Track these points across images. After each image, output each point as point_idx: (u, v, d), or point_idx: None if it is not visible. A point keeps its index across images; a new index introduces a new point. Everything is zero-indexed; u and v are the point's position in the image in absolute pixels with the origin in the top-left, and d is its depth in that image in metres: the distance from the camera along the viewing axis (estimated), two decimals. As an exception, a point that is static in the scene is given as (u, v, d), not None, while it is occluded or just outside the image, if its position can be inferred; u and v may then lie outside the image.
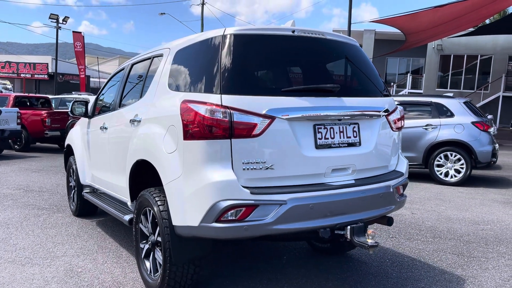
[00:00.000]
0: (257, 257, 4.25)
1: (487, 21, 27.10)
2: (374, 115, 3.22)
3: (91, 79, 45.38)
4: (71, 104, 5.24)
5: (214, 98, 2.77)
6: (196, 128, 2.76)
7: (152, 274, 3.35)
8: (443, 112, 8.76)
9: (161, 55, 3.69)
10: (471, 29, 24.28)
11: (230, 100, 2.75)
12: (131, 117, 3.77)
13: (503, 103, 28.74)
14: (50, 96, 16.64)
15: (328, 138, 2.98)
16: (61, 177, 8.83)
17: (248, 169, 2.73)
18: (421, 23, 19.45)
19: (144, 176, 3.70)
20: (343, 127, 3.06)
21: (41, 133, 13.31)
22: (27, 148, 13.58)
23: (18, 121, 12.27)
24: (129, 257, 4.18)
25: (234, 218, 2.70)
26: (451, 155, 8.59)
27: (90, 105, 5.42)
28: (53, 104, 15.99)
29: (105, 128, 4.49)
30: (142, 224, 3.51)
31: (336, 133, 3.02)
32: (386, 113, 3.33)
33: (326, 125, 2.98)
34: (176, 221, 2.92)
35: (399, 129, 3.48)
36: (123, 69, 4.69)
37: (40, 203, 6.47)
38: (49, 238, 4.77)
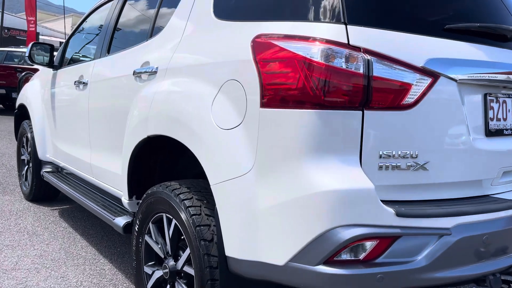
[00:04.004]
0: None
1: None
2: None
3: (40, 37, 41.65)
4: (29, 47, 3.74)
5: (331, 30, 1.48)
6: (294, 87, 1.47)
7: (168, 322, 2.06)
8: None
9: None
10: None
11: (364, 36, 1.48)
12: (135, 67, 2.39)
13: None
14: (-6, 49, 14.43)
15: (500, 119, 1.77)
16: (7, 145, 7.18)
17: (388, 167, 1.48)
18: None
19: (156, 160, 2.38)
20: None
21: (-18, 90, 11.33)
22: (-36, 107, 11.57)
23: (-46, 73, 10.27)
24: (115, 274, 2.85)
25: (353, 258, 1.47)
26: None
27: (56, 53, 3.92)
28: (-3, 58, 13.82)
29: (84, 83, 3.06)
30: (151, 237, 2.20)
31: (509, 110, 1.82)
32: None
33: (499, 97, 1.77)
34: (234, 250, 1.64)
35: None
36: (112, -1, 3.23)
37: (-21, 179, 4.93)
38: (-8, 236, 3.34)
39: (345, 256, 1.47)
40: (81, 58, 3.50)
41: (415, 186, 1.54)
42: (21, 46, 18.83)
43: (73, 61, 3.65)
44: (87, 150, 3.04)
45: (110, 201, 2.90)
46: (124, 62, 2.60)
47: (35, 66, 11.63)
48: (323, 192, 1.41)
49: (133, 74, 2.38)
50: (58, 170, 3.90)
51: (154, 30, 2.43)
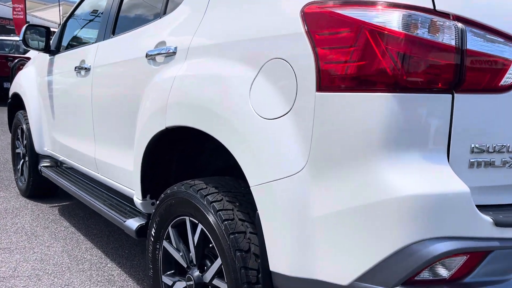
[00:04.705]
0: None
1: None
2: None
3: (31, 26, 40.66)
4: (23, 30, 3.40)
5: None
6: (363, 64, 1.17)
7: None
8: None
9: None
10: None
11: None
12: (147, 48, 2.08)
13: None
14: (-17, 37, 13.97)
15: None
16: (0, 137, 6.85)
17: (480, 164, 1.20)
18: None
19: (173, 154, 2.09)
20: None
21: (-29, 79, 10.88)
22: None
23: None
24: (125, 281, 2.56)
25: (436, 277, 1.19)
26: None
27: (53, 37, 3.58)
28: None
29: (85, 69, 2.74)
30: (170, 243, 1.91)
31: None
32: None
33: None
34: (282, 265, 1.36)
35: None
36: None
37: (-29, 174, 4.61)
38: (-14, 238, 3.04)
39: (426, 275, 1.19)
40: (82, 42, 3.18)
41: (508, 187, 1.26)
42: (11, 35, 18.32)
43: (72, 45, 3.32)
44: (90, 143, 2.74)
45: (118, 199, 2.61)
46: (134, 43, 2.29)
47: (28, 55, 11.22)
48: (405, 197, 1.12)
49: (146, 56, 2.07)
50: (57, 164, 3.60)
51: (169, 5, 2.12)
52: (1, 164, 5.20)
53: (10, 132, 4.40)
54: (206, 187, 1.72)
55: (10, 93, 4.25)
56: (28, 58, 8.53)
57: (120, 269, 2.70)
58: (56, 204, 3.90)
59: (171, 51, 1.91)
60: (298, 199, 1.30)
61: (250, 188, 1.43)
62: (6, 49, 14.02)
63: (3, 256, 2.79)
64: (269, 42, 1.42)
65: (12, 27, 36.80)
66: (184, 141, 2.03)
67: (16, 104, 4.15)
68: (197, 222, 1.73)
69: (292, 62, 1.32)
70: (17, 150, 4.21)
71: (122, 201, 2.56)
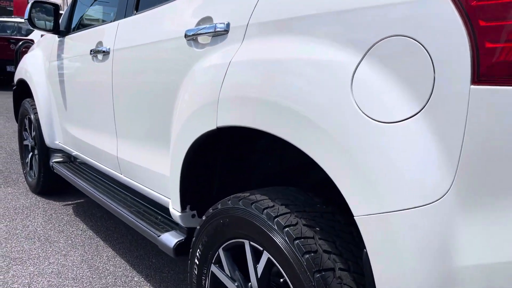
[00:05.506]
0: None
1: None
2: None
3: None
4: (28, 8, 2.98)
5: None
6: None
7: None
8: None
9: None
10: None
11: None
12: (186, 27, 1.67)
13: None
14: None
15: None
16: (5, 124, 6.48)
17: None
18: None
19: (216, 158, 1.70)
20: None
21: (-28, 63, 10.49)
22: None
23: None
24: (157, 299, 2.21)
25: None
26: None
27: (62, 16, 3.16)
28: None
29: (104, 52, 2.33)
30: (221, 269, 1.53)
31: None
32: None
33: None
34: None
35: None
36: None
37: (-24, 168, 4.26)
38: (-5, 246, 2.69)
39: None
40: (97, 20, 2.77)
41: None
42: (13, 16, 17.82)
43: (86, 24, 2.91)
44: (111, 139, 2.35)
45: (147, 206, 2.23)
46: (166, 21, 1.88)
47: (30, 36, 10.76)
48: None
49: (185, 37, 1.66)
50: (70, 159, 3.22)
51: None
52: (8, 155, 4.84)
53: (16, 121, 4.03)
54: (273, 206, 1.34)
55: (15, 79, 3.86)
56: (33, 40, 8.10)
57: (149, 283, 2.34)
58: (70, 202, 3.54)
59: (221, 29, 1.49)
60: (436, 239, 0.91)
61: (355, 218, 1.04)
62: (8, 31, 13.57)
63: (15, 268, 2.44)
64: (381, 12, 1.01)
65: (12, 9, 36.12)
66: (232, 140, 1.65)
67: (22, 92, 3.76)
68: (261, 249, 1.35)
69: (425, 41, 0.92)
70: (25, 142, 3.83)
71: (151, 208, 2.18)
